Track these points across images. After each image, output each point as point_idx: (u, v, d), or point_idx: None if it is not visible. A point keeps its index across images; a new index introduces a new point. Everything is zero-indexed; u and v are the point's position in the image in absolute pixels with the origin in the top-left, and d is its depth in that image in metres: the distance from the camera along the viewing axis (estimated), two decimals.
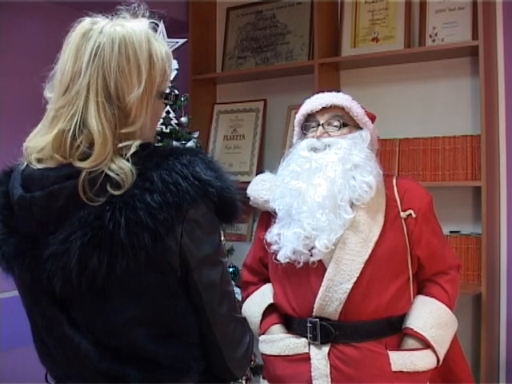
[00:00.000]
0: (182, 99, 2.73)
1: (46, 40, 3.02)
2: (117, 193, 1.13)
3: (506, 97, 2.76)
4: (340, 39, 3.13)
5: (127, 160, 1.15)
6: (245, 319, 1.34)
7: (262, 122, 3.40)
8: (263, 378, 2.00)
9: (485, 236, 2.59)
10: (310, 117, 1.94)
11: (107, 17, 1.26)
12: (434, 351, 1.82)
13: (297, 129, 1.98)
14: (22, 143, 1.24)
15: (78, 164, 1.15)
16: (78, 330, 1.21)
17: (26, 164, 1.24)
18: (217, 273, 1.24)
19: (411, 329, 1.82)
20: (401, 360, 1.79)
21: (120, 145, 1.16)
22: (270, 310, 1.95)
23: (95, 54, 1.18)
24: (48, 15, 3.03)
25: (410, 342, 1.83)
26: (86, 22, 1.23)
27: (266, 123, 3.41)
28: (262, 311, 1.93)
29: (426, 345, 1.81)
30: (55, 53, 1.26)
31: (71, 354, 1.23)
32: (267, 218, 1.96)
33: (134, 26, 1.22)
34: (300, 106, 1.99)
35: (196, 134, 2.82)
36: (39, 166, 1.20)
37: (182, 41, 2.70)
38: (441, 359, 1.83)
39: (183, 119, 2.74)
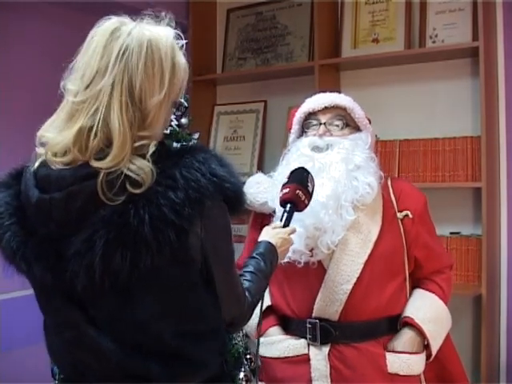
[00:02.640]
0: (182, 100, 2.72)
1: (46, 40, 3.02)
2: (137, 191, 1.15)
3: (506, 98, 2.76)
4: (340, 40, 3.13)
5: (147, 160, 1.17)
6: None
7: (263, 123, 3.40)
8: (260, 380, 2.00)
9: (485, 237, 2.59)
10: (310, 115, 1.93)
11: (132, 19, 1.27)
12: (429, 346, 1.83)
13: (296, 127, 1.97)
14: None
15: (95, 164, 1.16)
16: (97, 329, 1.22)
17: (37, 165, 1.24)
18: (230, 262, 1.31)
19: (412, 319, 1.83)
20: (397, 363, 1.80)
21: (136, 144, 1.18)
22: (267, 311, 1.94)
23: (123, 54, 1.19)
24: (46, 16, 3.03)
25: (408, 331, 1.84)
26: (113, 21, 1.24)
27: (267, 124, 3.41)
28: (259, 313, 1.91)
29: (422, 337, 1.83)
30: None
31: (89, 354, 1.24)
32: (261, 218, 1.95)
33: (161, 33, 1.25)
34: (299, 106, 1.98)
35: (196, 135, 2.81)
36: (56, 165, 1.20)
37: (182, 42, 2.70)
38: (433, 354, 1.85)
39: (183, 120, 2.73)
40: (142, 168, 1.16)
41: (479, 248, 2.64)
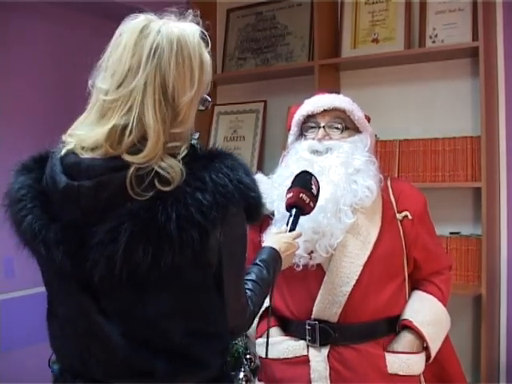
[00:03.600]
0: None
1: (46, 40, 3.02)
2: (166, 189, 1.16)
3: (506, 98, 2.76)
4: (340, 40, 3.13)
5: (178, 161, 1.19)
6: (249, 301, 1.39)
7: (262, 123, 3.39)
8: (259, 380, 2.00)
9: (485, 237, 2.59)
10: (309, 118, 1.92)
11: (158, 16, 1.28)
12: (428, 348, 1.83)
13: (295, 129, 1.96)
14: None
15: (128, 158, 1.17)
16: (108, 320, 1.22)
17: (64, 152, 1.24)
18: (241, 271, 1.33)
19: (410, 321, 1.84)
20: (397, 363, 1.80)
21: (170, 144, 1.20)
22: (266, 312, 1.94)
23: (154, 52, 1.20)
24: (46, 16, 3.03)
25: (406, 335, 1.84)
26: (141, 19, 1.25)
27: (266, 124, 3.41)
28: (259, 314, 1.90)
29: (421, 340, 1.83)
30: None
31: (96, 345, 1.24)
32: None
33: (188, 30, 1.26)
34: (298, 105, 1.98)
35: (196, 135, 2.80)
36: (86, 156, 1.21)
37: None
38: (432, 356, 1.85)
39: None
40: (173, 167, 1.17)
41: (479, 248, 2.64)
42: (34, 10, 2.97)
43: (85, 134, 1.22)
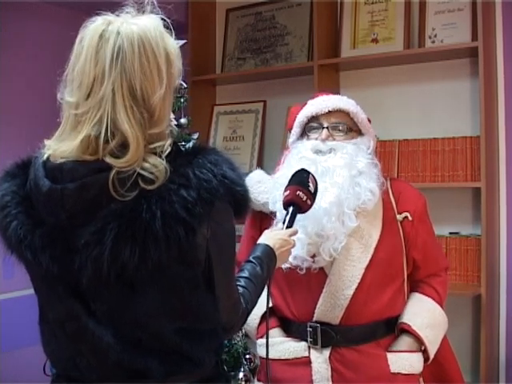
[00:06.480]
0: (182, 100, 2.72)
1: (46, 40, 3.02)
2: (149, 187, 1.16)
3: (505, 98, 2.77)
4: (339, 40, 3.13)
5: (162, 159, 1.19)
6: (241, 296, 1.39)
7: (262, 123, 3.39)
8: (258, 380, 2.00)
9: (484, 237, 2.59)
10: (312, 118, 1.90)
11: (114, 13, 1.26)
12: (426, 351, 1.84)
13: (297, 129, 1.93)
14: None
15: (109, 160, 1.17)
16: (98, 323, 1.22)
17: (46, 156, 1.24)
18: (231, 267, 1.33)
19: (409, 326, 1.84)
20: (399, 362, 1.81)
21: (152, 146, 1.20)
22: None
23: (117, 57, 1.19)
24: (46, 16, 3.03)
25: (405, 339, 1.85)
26: (99, 23, 1.23)
27: (266, 124, 3.41)
28: (260, 314, 1.88)
29: (420, 342, 1.84)
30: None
31: (88, 348, 1.23)
32: (260, 217, 1.94)
33: (148, 24, 1.24)
34: (299, 105, 1.97)
35: (196, 136, 2.81)
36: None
37: (181, 42, 2.69)
38: (431, 358, 1.86)
39: (183, 120, 2.73)
40: (156, 165, 1.17)
41: (478, 248, 2.65)
42: (34, 10, 2.97)
43: (57, 149, 1.21)
